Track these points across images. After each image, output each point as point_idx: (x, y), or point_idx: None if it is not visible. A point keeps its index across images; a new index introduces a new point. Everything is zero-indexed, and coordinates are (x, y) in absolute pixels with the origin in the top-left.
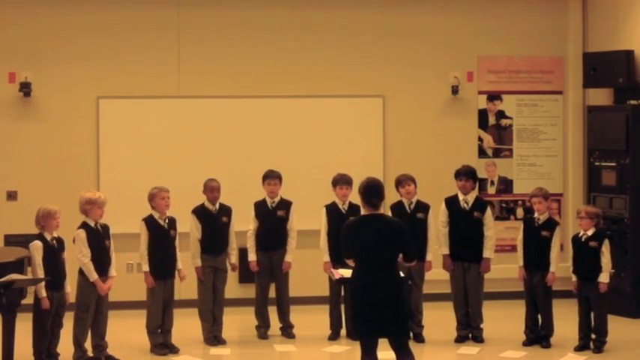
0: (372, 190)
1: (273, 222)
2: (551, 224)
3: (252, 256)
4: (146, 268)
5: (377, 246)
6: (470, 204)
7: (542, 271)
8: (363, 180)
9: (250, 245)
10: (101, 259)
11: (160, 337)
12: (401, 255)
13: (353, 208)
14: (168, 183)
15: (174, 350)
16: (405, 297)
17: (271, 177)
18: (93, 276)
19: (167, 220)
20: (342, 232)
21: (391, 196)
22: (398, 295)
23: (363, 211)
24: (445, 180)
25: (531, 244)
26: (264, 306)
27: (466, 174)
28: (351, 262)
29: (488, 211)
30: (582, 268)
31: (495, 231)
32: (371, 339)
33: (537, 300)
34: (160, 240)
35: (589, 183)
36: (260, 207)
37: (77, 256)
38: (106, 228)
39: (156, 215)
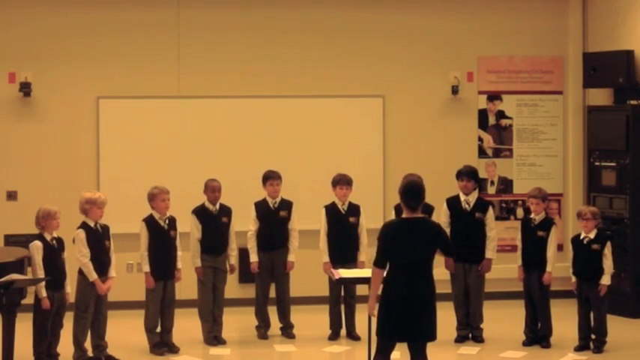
0: (411, 193)
1: (275, 222)
2: (547, 224)
3: (253, 257)
4: (147, 268)
5: (417, 250)
6: (471, 204)
7: (539, 271)
8: (404, 179)
9: (251, 246)
10: (101, 260)
11: (158, 336)
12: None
13: (352, 209)
14: (168, 183)
15: (174, 350)
16: (434, 302)
17: (273, 177)
18: (92, 276)
19: (167, 221)
20: (381, 234)
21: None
22: (431, 299)
23: (403, 214)
24: (445, 180)
25: (528, 244)
26: (265, 306)
27: (467, 174)
28: (379, 278)
29: (490, 211)
30: (583, 269)
31: (497, 231)
32: (394, 341)
33: (535, 300)
34: (160, 240)
35: (589, 183)
36: (262, 207)
37: (77, 256)
38: (106, 228)
39: (156, 216)
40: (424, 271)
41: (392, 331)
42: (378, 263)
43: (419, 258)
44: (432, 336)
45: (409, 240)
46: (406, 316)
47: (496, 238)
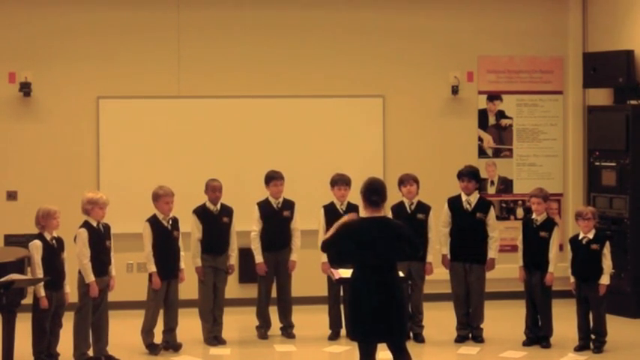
0: (372, 189)
1: (279, 222)
2: (549, 225)
3: (259, 258)
4: (153, 268)
5: (377, 248)
6: (472, 205)
7: (541, 271)
8: (365, 180)
9: (256, 247)
10: (102, 260)
11: (153, 337)
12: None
13: (351, 209)
14: (169, 183)
15: (177, 347)
16: (404, 298)
17: (276, 178)
18: (89, 277)
19: (170, 221)
20: (339, 232)
21: (394, 195)
22: (397, 297)
23: (364, 213)
24: (445, 180)
25: (530, 244)
26: (267, 306)
27: (468, 175)
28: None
29: (492, 211)
30: (582, 269)
31: (499, 231)
32: (372, 342)
33: (536, 300)
34: (164, 240)
35: (589, 183)
36: (265, 208)
37: (77, 256)
38: (107, 228)
39: (160, 216)
40: (390, 270)
41: (366, 334)
42: (325, 248)
43: (384, 258)
44: (400, 335)
45: (372, 240)
46: (378, 317)
47: (499, 239)
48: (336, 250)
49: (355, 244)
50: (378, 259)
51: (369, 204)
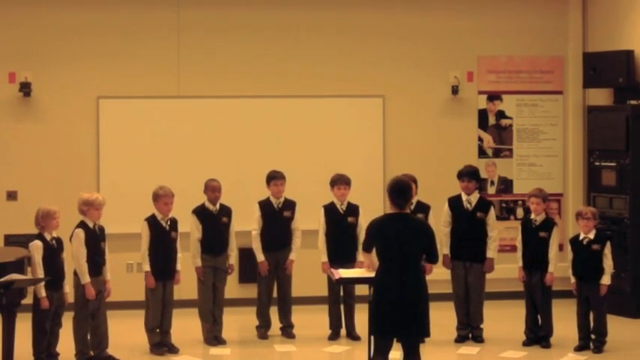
0: (397, 191)
1: (279, 222)
2: (548, 225)
3: (261, 257)
4: (147, 268)
5: (400, 245)
6: (473, 204)
7: (541, 271)
8: (391, 178)
9: (257, 246)
10: (96, 261)
11: (158, 336)
12: (424, 256)
13: (351, 209)
14: (168, 183)
15: (173, 350)
16: (423, 298)
17: (277, 178)
18: (85, 278)
19: (169, 222)
20: (367, 228)
21: None
22: (420, 294)
23: (390, 210)
24: (445, 180)
25: (530, 244)
26: (267, 306)
27: (469, 175)
28: (369, 257)
29: (492, 211)
30: (583, 269)
31: (499, 231)
32: (389, 339)
33: (536, 300)
34: (161, 241)
35: (589, 183)
36: (266, 207)
37: (73, 255)
38: (102, 230)
39: (158, 216)
40: (413, 267)
41: (385, 330)
42: (366, 247)
43: (403, 254)
44: (424, 332)
45: (395, 234)
46: (397, 314)
47: (498, 238)
48: (372, 247)
49: (379, 240)
50: (399, 255)
51: (393, 205)
